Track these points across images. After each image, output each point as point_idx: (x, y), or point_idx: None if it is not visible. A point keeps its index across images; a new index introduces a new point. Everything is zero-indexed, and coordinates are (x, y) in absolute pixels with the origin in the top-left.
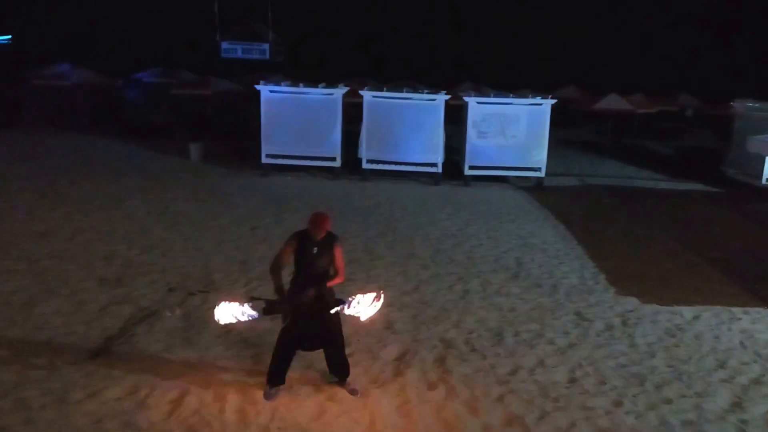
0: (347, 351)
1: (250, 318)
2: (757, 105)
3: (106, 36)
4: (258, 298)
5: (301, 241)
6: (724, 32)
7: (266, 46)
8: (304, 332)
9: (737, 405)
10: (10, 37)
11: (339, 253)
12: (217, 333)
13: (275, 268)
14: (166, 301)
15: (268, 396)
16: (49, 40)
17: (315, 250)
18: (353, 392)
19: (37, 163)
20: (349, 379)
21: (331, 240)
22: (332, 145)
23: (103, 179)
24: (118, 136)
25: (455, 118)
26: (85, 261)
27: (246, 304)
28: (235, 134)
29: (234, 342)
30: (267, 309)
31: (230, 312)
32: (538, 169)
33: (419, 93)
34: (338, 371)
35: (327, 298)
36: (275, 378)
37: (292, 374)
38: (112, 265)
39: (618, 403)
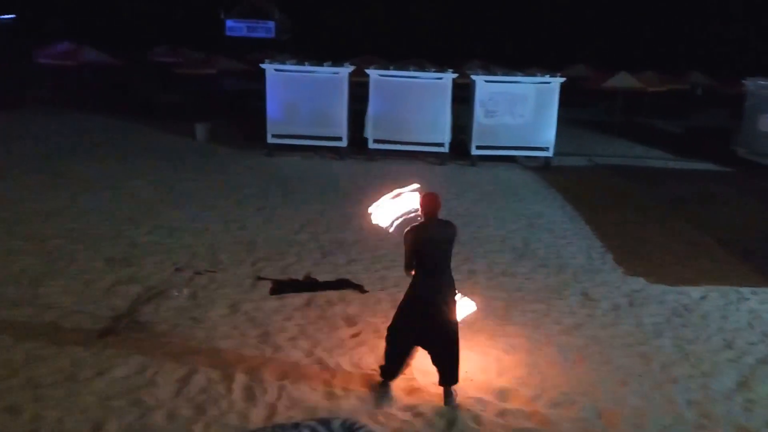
0: (353, 330)
1: None
2: None
3: (110, 14)
4: (265, 278)
5: (418, 234)
6: (736, 8)
7: (272, 23)
8: (420, 328)
9: (744, 384)
10: (14, 16)
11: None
12: (223, 312)
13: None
14: (173, 281)
15: (377, 391)
16: (53, 18)
17: (433, 236)
18: (449, 402)
19: (43, 143)
20: (454, 389)
21: (448, 225)
22: (338, 125)
23: (110, 159)
24: (124, 116)
25: (463, 97)
26: (92, 241)
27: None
28: (241, 113)
29: (241, 321)
30: (273, 289)
31: None
32: (546, 149)
33: (426, 71)
34: (447, 377)
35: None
36: (389, 372)
37: (298, 354)
38: (119, 244)
39: (624, 383)
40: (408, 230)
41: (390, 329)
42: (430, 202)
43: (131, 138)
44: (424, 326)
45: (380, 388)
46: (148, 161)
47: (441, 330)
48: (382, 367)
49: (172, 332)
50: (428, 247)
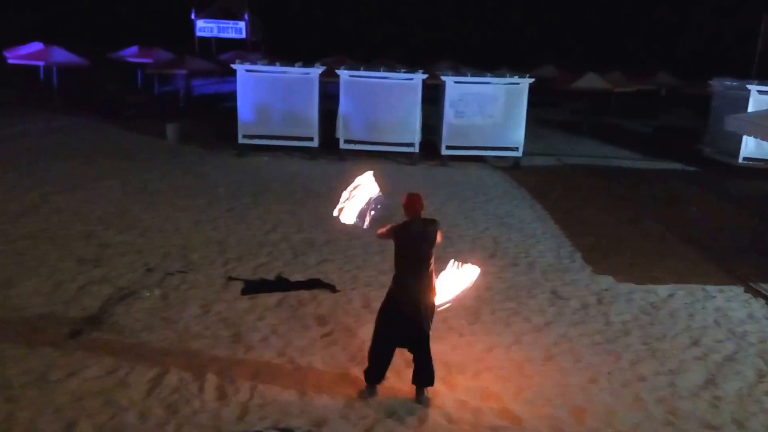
0: (325, 329)
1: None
2: (735, 83)
3: (80, 15)
4: (236, 278)
5: (401, 232)
6: (703, 10)
7: (242, 24)
8: (398, 328)
9: (711, 382)
10: None
11: (439, 236)
12: (195, 313)
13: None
14: (144, 282)
15: (364, 396)
16: (23, 18)
17: (414, 237)
18: (421, 400)
19: (13, 143)
20: (428, 389)
21: (430, 223)
22: (309, 125)
23: (80, 160)
24: (94, 116)
25: (433, 98)
26: (62, 241)
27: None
28: (213, 114)
29: (213, 321)
30: (245, 289)
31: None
32: (516, 149)
33: (397, 72)
34: (423, 377)
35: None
36: (372, 376)
37: (270, 354)
38: (90, 245)
39: (593, 380)
40: (390, 226)
41: (375, 333)
42: (412, 201)
43: (102, 138)
44: (406, 327)
45: (367, 393)
46: (118, 161)
47: (421, 330)
48: (366, 372)
49: (143, 333)
50: (409, 247)
